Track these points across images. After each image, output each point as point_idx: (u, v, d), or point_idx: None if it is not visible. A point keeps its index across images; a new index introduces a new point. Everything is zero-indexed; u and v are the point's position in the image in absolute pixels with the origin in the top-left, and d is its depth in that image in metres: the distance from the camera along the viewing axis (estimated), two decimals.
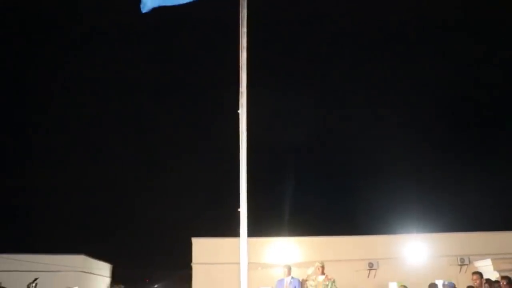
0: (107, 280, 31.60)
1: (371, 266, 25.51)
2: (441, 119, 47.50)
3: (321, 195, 46.90)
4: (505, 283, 7.24)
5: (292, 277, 7.80)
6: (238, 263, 7.25)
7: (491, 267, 21.39)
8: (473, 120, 47.26)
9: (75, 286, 8.14)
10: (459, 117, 47.68)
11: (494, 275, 16.44)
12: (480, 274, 7.53)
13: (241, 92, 6.14)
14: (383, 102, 49.80)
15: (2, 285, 12.04)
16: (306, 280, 7.79)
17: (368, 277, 25.01)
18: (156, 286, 30.83)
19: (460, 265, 25.43)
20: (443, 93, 48.29)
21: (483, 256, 23.59)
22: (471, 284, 7.77)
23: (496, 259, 21.96)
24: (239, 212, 6.36)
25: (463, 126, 47.26)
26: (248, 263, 7.31)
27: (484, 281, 7.80)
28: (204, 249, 25.65)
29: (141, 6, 6.25)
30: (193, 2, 6.33)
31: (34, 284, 6.51)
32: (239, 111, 5.96)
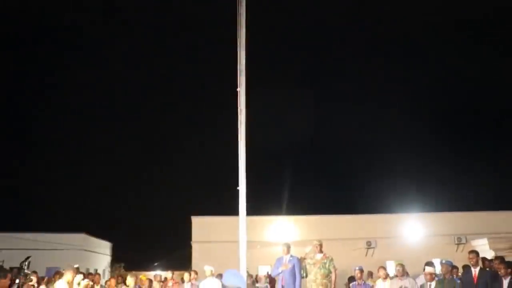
0: (107, 258, 31.96)
1: (369, 244, 25.77)
2: (438, 104, 47.56)
3: (320, 175, 47.15)
4: (498, 262, 7.33)
5: (291, 256, 7.85)
6: (237, 242, 7.32)
7: (488, 246, 21.61)
8: (470, 106, 47.30)
9: (76, 264, 8.21)
10: (456, 101, 47.67)
11: (490, 254, 16.60)
12: (476, 253, 7.60)
13: (239, 70, 6.10)
14: (381, 91, 49.75)
15: (3, 263, 12.14)
16: (304, 259, 7.85)
17: (366, 255, 25.29)
18: (156, 264, 31.16)
19: (457, 244, 25.69)
20: (440, 81, 48.18)
21: (480, 235, 23.81)
22: (467, 262, 7.84)
23: (493, 238, 22.17)
24: (238, 190, 6.40)
25: (460, 110, 47.29)
26: (247, 241, 7.38)
27: (480, 260, 7.88)
28: (203, 228, 25.85)
29: None
30: None
31: (27, 263, 6.48)
32: (238, 89, 5.93)
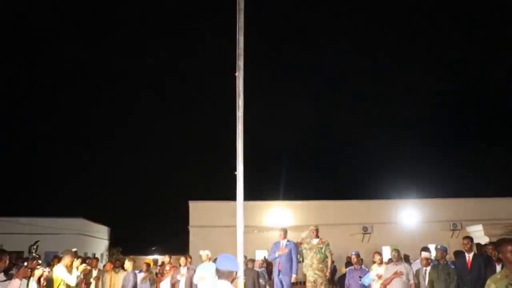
0: (105, 243, 32.11)
1: (365, 230, 25.96)
2: (435, 91, 47.51)
3: (317, 161, 47.26)
4: (491, 248, 7.40)
5: (288, 240, 7.90)
6: (235, 226, 7.35)
7: (482, 232, 21.82)
8: (467, 95, 47.27)
9: (74, 248, 8.25)
10: (453, 89, 47.62)
11: (485, 240, 16.77)
12: (470, 239, 7.66)
13: (238, 54, 6.06)
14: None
15: (3, 247, 12.20)
16: (301, 243, 7.90)
17: (362, 241, 25.51)
18: (153, 248, 31.33)
19: (452, 230, 25.92)
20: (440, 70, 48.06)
21: (475, 221, 24.02)
22: (462, 248, 7.92)
23: (487, 224, 22.38)
24: (235, 175, 6.39)
25: (458, 98, 47.29)
26: (244, 226, 7.42)
27: (474, 246, 7.96)
28: (201, 212, 25.97)
29: None
30: None
31: (35, 247, 6.60)
32: (236, 74, 5.90)
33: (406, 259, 10.26)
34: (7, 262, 5.97)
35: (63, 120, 51.97)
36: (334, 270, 13.43)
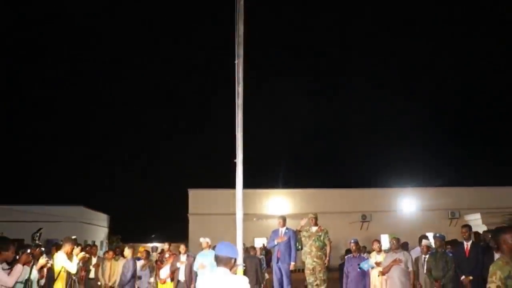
0: (105, 230, 32.25)
1: (364, 218, 26.10)
2: (432, 81, 47.42)
3: (317, 149, 47.28)
4: (489, 236, 7.43)
5: (287, 228, 7.92)
6: (234, 214, 7.37)
7: (481, 221, 21.94)
8: (465, 82, 47.16)
9: (74, 236, 8.29)
10: (451, 78, 47.53)
11: (483, 229, 16.84)
12: (469, 227, 7.70)
13: (237, 42, 6.02)
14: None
15: (3, 234, 12.25)
16: (300, 231, 7.92)
17: (361, 229, 25.64)
18: (153, 236, 31.50)
19: (451, 218, 26.04)
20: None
21: (473, 210, 24.14)
22: (460, 237, 7.96)
23: (486, 213, 22.49)
24: (235, 163, 6.39)
25: (456, 87, 47.20)
26: (244, 214, 7.43)
27: (472, 234, 7.99)
28: (200, 200, 26.06)
29: None
30: None
31: (38, 234, 6.64)
32: (236, 61, 5.86)
33: (405, 246, 10.31)
34: (12, 253, 6.04)
35: (64, 110, 51.89)
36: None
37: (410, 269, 7.77)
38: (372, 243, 8.58)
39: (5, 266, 5.92)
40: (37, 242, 6.57)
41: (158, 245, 16.42)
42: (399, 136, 45.96)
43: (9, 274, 5.70)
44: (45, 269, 6.80)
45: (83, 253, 8.13)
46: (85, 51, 53.26)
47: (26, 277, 6.15)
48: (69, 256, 7.62)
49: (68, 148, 51.14)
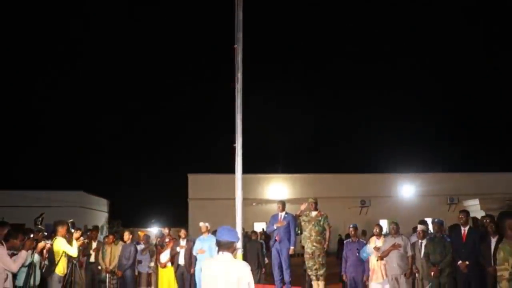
0: (105, 215, 32.41)
1: (363, 203, 26.23)
2: (430, 69, 47.24)
3: (316, 135, 47.31)
4: (488, 221, 7.47)
5: (286, 213, 7.95)
6: (233, 199, 7.41)
7: (479, 207, 22.07)
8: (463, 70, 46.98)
9: (70, 219, 8.32)
10: (448, 66, 47.30)
11: (481, 214, 16.93)
12: (466, 213, 7.73)
13: (237, 27, 5.98)
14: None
15: (5, 219, 12.32)
16: (299, 216, 7.95)
17: (360, 214, 25.79)
18: (152, 221, 31.65)
19: (449, 204, 26.19)
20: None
21: (471, 196, 24.26)
22: (458, 222, 8.00)
23: (484, 199, 22.61)
24: (234, 147, 6.40)
25: (454, 75, 47.05)
26: (243, 199, 7.47)
27: (470, 219, 8.03)
28: (199, 185, 26.15)
29: None
30: None
31: (40, 219, 6.72)
32: (235, 46, 5.83)
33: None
34: (22, 240, 6.13)
35: (65, 96, 51.71)
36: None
37: (409, 253, 7.83)
38: (374, 228, 8.62)
39: (9, 252, 6.01)
40: (39, 226, 6.64)
41: (159, 229, 16.48)
42: (399, 122, 45.97)
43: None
44: (44, 251, 6.86)
45: (82, 238, 8.17)
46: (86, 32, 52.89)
47: (29, 261, 6.24)
48: (68, 239, 7.65)
49: (68, 133, 51.15)
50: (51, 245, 7.14)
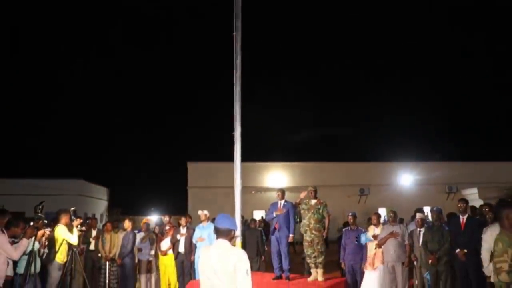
0: (104, 203, 32.52)
1: (362, 192, 26.30)
2: (429, 58, 46.99)
3: (316, 122, 47.26)
4: (487, 209, 7.49)
5: (286, 201, 7.96)
6: (233, 187, 7.41)
7: (477, 195, 22.12)
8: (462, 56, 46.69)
9: (72, 207, 8.36)
10: (446, 55, 47.01)
11: (479, 203, 16.99)
12: (465, 201, 7.75)
13: (235, 14, 5.93)
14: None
15: (5, 207, 12.36)
16: (299, 204, 7.96)
17: (359, 202, 25.89)
18: (152, 208, 31.77)
19: (448, 192, 26.28)
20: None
21: (470, 184, 24.32)
22: (456, 211, 8.02)
23: (482, 187, 22.66)
24: (233, 136, 6.38)
25: (453, 63, 46.81)
26: (242, 187, 7.48)
27: (468, 208, 8.06)
28: (199, 173, 26.19)
29: None
30: None
31: (41, 207, 6.76)
32: (234, 34, 5.79)
33: (401, 222, 10.42)
34: (23, 228, 6.17)
35: (64, 83, 51.55)
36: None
37: (406, 242, 7.88)
38: (372, 216, 8.66)
39: (10, 240, 6.06)
40: (39, 214, 6.67)
41: (158, 217, 16.54)
42: (398, 111, 45.91)
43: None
44: (44, 238, 6.89)
45: (79, 226, 8.21)
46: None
47: (30, 249, 6.29)
48: (69, 227, 7.68)
49: (68, 122, 51.08)
50: (50, 232, 7.18)
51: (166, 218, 10.80)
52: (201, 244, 8.91)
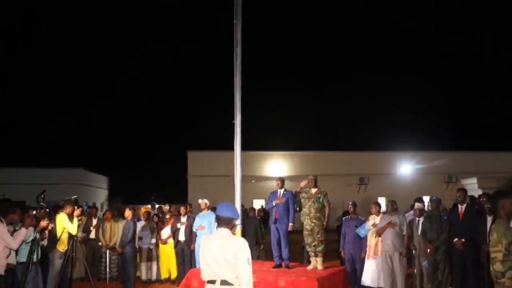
0: (105, 192, 32.59)
1: (362, 181, 26.35)
2: (428, 49, 46.78)
3: (316, 111, 47.17)
4: (485, 199, 7.51)
5: (285, 190, 7.97)
6: (233, 176, 7.43)
7: (477, 185, 22.17)
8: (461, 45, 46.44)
9: (74, 196, 8.39)
10: (444, 45, 46.77)
11: (479, 193, 17.04)
12: (464, 191, 7.77)
13: (236, 1, 5.89)
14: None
15: (5, 197, 12.39)
16: (299, 193, 7.96)
17: (358, 191, 25.94)
18: (152, 197, 31.82)
19: (447, 182, 26.33)
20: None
21: (469, 174, 24.35)
22: (455, 200, 8.05)
23: (482, 177, 22.69)
24: (233, 124, 6.37)
25: (452, 53, 46.58)
26: (243, 175, 7.49)
27: (467, 198, 8.08)
28: (199, 162, 26.21)
29: None
30: None
31: (42, 196, 6.77)
32: (234, 21, 5.75)
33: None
34: (20, 215, 6.20)
35: (62, 69, 51.36)
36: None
37: (404, 232, 7.89)
38: (371, 206, 8.67)
39: (11, 228, 6.08)
40: (41, 203, 6.69)
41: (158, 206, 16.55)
42: (398, 100, 45.80)
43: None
44: (46, 231, 6.92)
45: (78, 216, 8.25)
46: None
47: (32, 238, 6.31)
48: (70, 217, 7.72)
49: (68, 110, 50.99)
50: (52, 228, 7.22)
51: (166, 207, 10.84)
52: (201, 232, 8.94)
